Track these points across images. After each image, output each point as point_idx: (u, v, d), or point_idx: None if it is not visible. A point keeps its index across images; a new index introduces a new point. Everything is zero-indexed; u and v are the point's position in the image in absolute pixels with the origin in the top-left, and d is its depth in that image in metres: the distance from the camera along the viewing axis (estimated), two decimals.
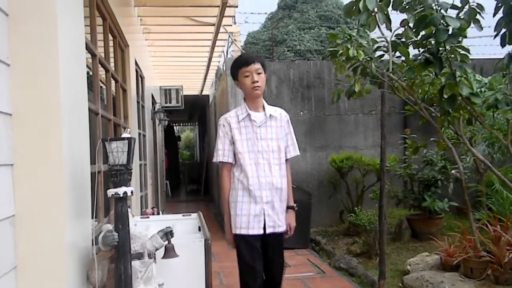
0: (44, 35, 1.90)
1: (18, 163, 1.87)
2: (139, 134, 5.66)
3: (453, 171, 5.50)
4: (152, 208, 5.86)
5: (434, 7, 2.95)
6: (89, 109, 2.63)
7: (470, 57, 3.44)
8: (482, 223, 4.10)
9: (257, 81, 2.54)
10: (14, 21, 1.85)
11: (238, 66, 2.61)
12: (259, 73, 2.56)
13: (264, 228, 2.57)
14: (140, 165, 5.61)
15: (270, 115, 2.63)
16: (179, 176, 16.74)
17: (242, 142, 2.59)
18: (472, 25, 3.37)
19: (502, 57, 3.32)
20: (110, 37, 3.88)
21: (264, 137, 2.59)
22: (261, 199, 2.56)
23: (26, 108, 1.88)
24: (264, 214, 2.57)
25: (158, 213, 5.64)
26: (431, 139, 5.07)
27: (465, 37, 2.99)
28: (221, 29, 5.64)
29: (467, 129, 4.66)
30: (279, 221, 2.62)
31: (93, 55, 3.03)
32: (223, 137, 2.61)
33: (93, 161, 2.54)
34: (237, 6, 5.05)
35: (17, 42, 1.86)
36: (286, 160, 2.70)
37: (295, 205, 2.73)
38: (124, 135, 2.12)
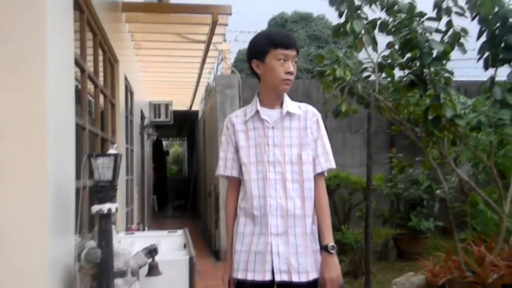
0: (32, 50, 1.91)
1: (1, 178, 1.85)
2: (127, 148, 5.64)
3: (438, 191, 5.56)
4: (138, 224, 5.81)
5: (419, 31, 3.03)
6: (76, 124, 2.63)
7: (455, 79, 3.53)
8: (467, 243, 4.14)
9: (293, 73, 1.85)
10: (2, 34, 1.85)
11: (271, 43, 1.85)
12: (295, 62, 1.88)
13: (273, 273, 1.80)
14: (127, 180, 5.58)
15: (288, 112, 1.90)
16: (166, 191, 16.62)
17: (249, 150, 1.91)
18: (456, 48, 3.48)
19: (486, 79, 3.41)
20: (100, 52, 3.89)
21: (278, 142, 1.87)
22: (268, 230, 1.81)
23: (11, 122, 1.87)
24: (271, 251, 1.81)
25: (144, 229, 5.59)
26: (417, 158, 5.14)
27: (449, 60, 3.07)
28: (211, 47, 5.69)
29: (452, 149, 4.73)
30: (298, 264, 1.80)
31: (82, 70, 3.03)
32: (226, 143, 1.98)
33: (78, 176, 2.52)
34: (227, 25, 5.12)
35: (5, 56, 1.86)
36: (316, 175, 1.90)
37: (333, 245, 1.83)
38: (111, 151, 2.12)
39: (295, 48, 1.87)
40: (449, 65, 3.49)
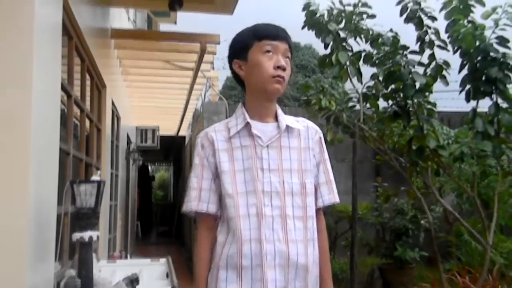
0: (19, 74, 1.90)
1: None
2: (112, 174, 5.58)
3: (423, 221, 5.59)
4: (120, 251, 5.69)
5: (402, 63, 3.11)
6: (60, 149, 2.60)
7: (438, 109, 3.61)
8: (452, 274, 4.13)
9: (284, 68, 1.45)
10: None
11: (254, 35, 1.48)
12: (286, 57, 1.49)
13: None
14: (110, 205, 5.49)
15: (288, 126, 1.50)
16: (151, 217, 16.38)
17: (234, 176, 1.45)
18: (439, 80, 3.56)
19: (468, 110, 3.50)
20: (88, 77, 3.90)
21: (275, 166, 1.44)
22: (265, 285, 1.38)
23: None
24: None
25: (126, 257, 5.47)
26: (402, 188, 5.17)
27: (431, 92, 3.15)
28: (199, 74, 5.74)
29: (436, 179, 4.79)
30: None
31: (69, 96, 3.03)
32: (200, 167, 1.50)
33: (60, 202, 2.48)
34: (215, 53, 5.19)
35: None
36: (316, 210, 1.53)
37: None
38: (94, 177, 2.10)
39: (285, 40, 1.48)
40: (433, 96, 3.58)
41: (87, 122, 3.95)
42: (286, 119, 1.52)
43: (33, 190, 1.94)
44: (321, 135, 1.60)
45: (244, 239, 1.39)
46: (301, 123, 1.56)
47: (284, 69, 1.45)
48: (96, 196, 2.06)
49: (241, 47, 1.50)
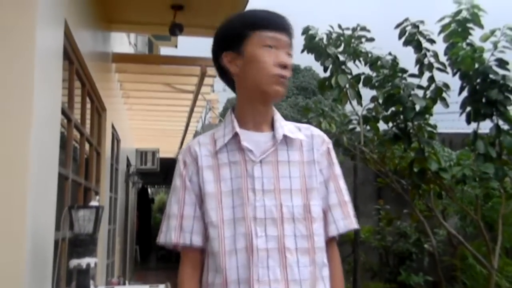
0: (19, 99, 1.90)
1: None
2: (110, 197, 5.53)
3: (426, 245, 5.51)
4: (119, 277, 5.59)
5: (402, 86, 3.12)
6: (59, 174, 2.58)
7: (439, 131, 3.60)
8: None
9: (288, 67, 1.19)
10: None
11: (251, 23, 1.19)
12: (289, 54, 1.21)
13: None
14: (109, 230, 5.43)
15: (286, 136, 1.21)
16: (150, 241, 16.20)
17: (220, 200, 1.17)
18: (439, 102, 3.56)
19: (470, 131, 3.48)
20: (88, 101, 3.90)
21: (270, 186, 1.16)
22: None
23: None
24: None
25: (124, 283, 5.38)
26: (405, 211, 5.12)
27: (431, 115, 3.14)
28: (200, 97, 5.76)
29: (439, 202, 4.74)
30: None
31: (69, 120, 3.02)
32: (182, 189, 1.22)
33: (58, 228, 2.44)
34: (215, 76, 5.21)
35: None
36: (328, 240, 1.24)
37: None
38: (93, 203, 2.07)
39: (289, 34, 1.21)
40: (434, 118, 3.58)
41: (87, 146, 3.94)
42: (285, 127, 1.22)
43: (31, 215, 1.91)
44: (330, 145, 1.29)
45: (230, 281, 1.10)
46: (303, 131, 1.25)
47: (287, 68, 1.19)
48: (95, 221, 2.03)
49: (234, 37, 1.19)
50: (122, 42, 6.29)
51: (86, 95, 3.74)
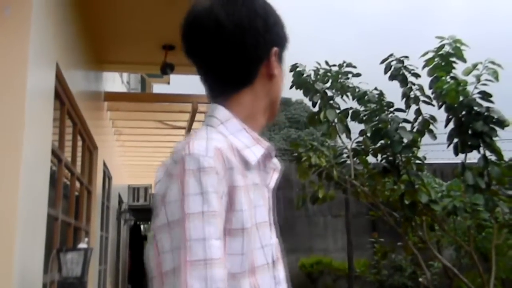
0: (8, 145, 1.91)
1: None
2: (101, 236, 5.46)
3: (420, 279, 5.45)
4: None
5: (389, 120, 3.17)
6: (49, 215, 2.56)
7: (430, 161, 3.63)
8: None
9: None
10: None
11: (287, 37, 1.00)
12: None
13: None
14: (100, 271, 5.32)
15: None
16: (143, 279, 15.84)
17: (256, 238, 0.87)
18: (426, 134, 3.62)
19: (460, 162, 3.52)
20: (79, 139, 3.92)
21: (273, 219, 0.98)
22: None
23: None
24: None
25: None
26: (399, 243, 5.09)
27: (419, 147, 3.18)
28: (191, 132, 5.80)
29: (433, 233, 4.72)
30: None
31: (59, 160, 3.03)
32: (218, 216, 0.78)
33: (46, 270, 2.40)
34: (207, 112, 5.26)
35: None
36: None
37: None
38: (81, 245, 2.05)
39: None
40: (424, 148, 3.62)
41: (78, 185, 3.92)
42: None
43: (19, 259, 1.89)
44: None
45: None
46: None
47: None
48: (83, 264, 2.01)
49: (284, 37, 0.98)
50: (115, 80, 6.37)
51: (77, 134, 3.76)
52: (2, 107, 1.93)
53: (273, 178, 0.96)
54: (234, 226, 0.81)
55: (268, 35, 0.93)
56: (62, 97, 3.01)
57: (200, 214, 0.75)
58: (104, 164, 5.32)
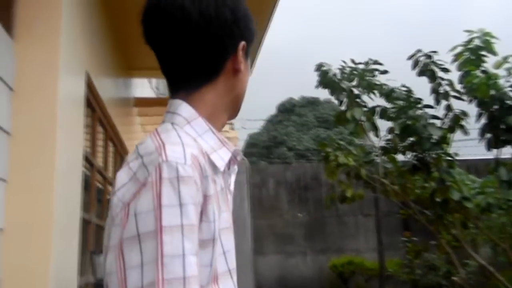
0: (42, 153, 1.99)
1: (6, 275, 1.84)
2: None
3: (455, 278, 5.31)
4: None
5: (417, 117, 3.12)
6: (82, 218, 2.65)
7: (463, 157, 3.55)
8: None
9: None
10: (15, 141, 1.95)
11: (254, 30, 0.94)
12: None
13: None
14: None
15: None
16: None
17: (221, 244, 0.83)
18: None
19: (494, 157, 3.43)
20: (111, 144, 4.03)
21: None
22: None
23: (18, 224, 1.90)
24: None
25: None
26: (432, 242, 4.98)
27: (449, 144, 3.12)
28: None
29: (467, 231, 4.60)
30: None
31: (92, 165, 3.13)
32: (195, 231, 0.72)
33: (81, 273, 2.49)
34: None
35: (16, 160, 1.94)
36: None
37: None
38: None
39: None
40: (457, 144, 3.54)
41: (110, 189, 4.03)
42: None
43: (54, 260, 1.97)
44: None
45: None
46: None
47: None
48: None
49: (251, 30, 0.92)
50: (144, 86, 6.51)
51: (108, 140, 3.87)
52: (35, 115, 2.02)
53: (233, 180, 0.91)
54: (205, 237, 0.75)
55: (236, 27, 0.87)
56: (93, 104, 3.10)
57: (178, 227, 0.69)
58: None
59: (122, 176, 0.77)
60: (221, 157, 0.84)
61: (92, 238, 3.03)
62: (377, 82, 3.77)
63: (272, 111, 22.42)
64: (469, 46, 3.52)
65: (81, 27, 2.56)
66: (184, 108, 0.87)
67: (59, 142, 2.04)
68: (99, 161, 3.45)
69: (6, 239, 1.87)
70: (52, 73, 2.05)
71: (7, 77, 1.91)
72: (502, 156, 3.43)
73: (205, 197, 0.76)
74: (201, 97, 0.88)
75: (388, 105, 3.69)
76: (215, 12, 0.84)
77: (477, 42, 3.50)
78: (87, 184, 3.06)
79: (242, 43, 0.88)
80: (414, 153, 3.41)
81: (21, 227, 1.90)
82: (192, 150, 0.78)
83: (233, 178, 0.90)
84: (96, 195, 3.26)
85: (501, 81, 3.38)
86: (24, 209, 1.92)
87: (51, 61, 2.06)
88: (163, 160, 0.73)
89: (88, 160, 3.01)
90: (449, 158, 3.17)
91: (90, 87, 2.83)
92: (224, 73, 0.88)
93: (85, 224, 2.90)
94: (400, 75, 3.86)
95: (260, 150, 19.69)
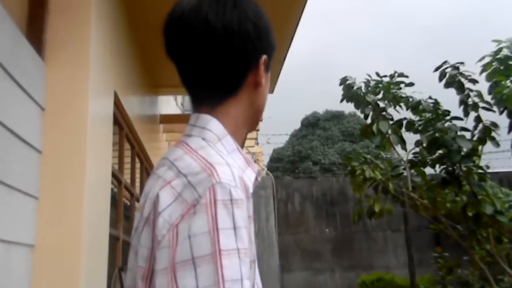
0: (72, 170, 2.04)
1: None
2: None
3: None
4: None
5: (445, 129, 3.05)
6: (110, 235, 2.68)
7: (496, 170, 3.44)
8: None
9: None
10: (45, 159, 2.01)
11: (275, 49, 0.94)
12: None
13: None
14: None
15: None
16: None
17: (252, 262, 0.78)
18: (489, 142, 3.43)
19: None
20: (137, 161, 4.10)
21: None
22: None
23: (49, 241, 1.94)
24: None
25: None
26: (464, 258, 4.81)
27: (479, 156, 3.03)
28: (244, 150, 5.87)
29: (502, 246, 4.43)
30: None
31: (119, 182, 3.18)
32: (244, 238, 0.72)
33: None
34: (258, 130, 5.33)
35: (47, 178, 1.99)
36: None
37: None
38: None
39: None
40: (488, 157, 3.44)
41: (137, 205, 4.08)
42: None
43: (84, 277, 2.00)
44: None
45: None
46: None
47: None
48: None
49: (273, 44, 0.92)
50: (169, 103, 6.62)
51: (135, 157, 3.93)
52: (66, 134, 2.08)
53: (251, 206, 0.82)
54: (250, 258, 0.74)
55: (258, 41, 0.86)
56: (121, 122, 3.17)
57: (235, 251, 0.68)
58: None
59: (166, 197, 0.74)
60: (249, 178, 0.82)
61: (120, 255, 3.06)
62: (403, 95, 3.72)
63: (297, 125, 22.40)
64: (498, 56, 3.44)
65: (109, 48, 2.63)
66: (214, 124, 0.85)
67: (88, 160, 2.09)
68: (126, 177, 3.51)
69: (36, 256, 1.91)
70: (82, 93, 2.11)
71: (38, 96, 1.98)
72: None
73: (249, 218, 0.75)
74: (226, 111, 0.87)
75: (414, 117, 3.63)
76: (238, 25, 0.84)
77: (505, 51, 3.42)
78: (114, 201, 3.11)
79: (264, 56, 0.88)
80: (443, 166, 3.33)
81: (52, 244, 1.94)
82: (238, 172, 0.77)
83: (251, 203, 0.82)
84: (123, 212, 3.30)
85: None
86: (54, 226, 1.96)
87: (81, 82, 2.12)
88: (216, 182, 0.71)
89: (116, 177, 3.06)
90: (480, 171, 3.08)
91: (118, 106, 2.90)
92: (246, 86, 0.88)
93: (113, 240, 2.94)
94: (429, 88, 3.79)
95: (284, 165, 19.64)
